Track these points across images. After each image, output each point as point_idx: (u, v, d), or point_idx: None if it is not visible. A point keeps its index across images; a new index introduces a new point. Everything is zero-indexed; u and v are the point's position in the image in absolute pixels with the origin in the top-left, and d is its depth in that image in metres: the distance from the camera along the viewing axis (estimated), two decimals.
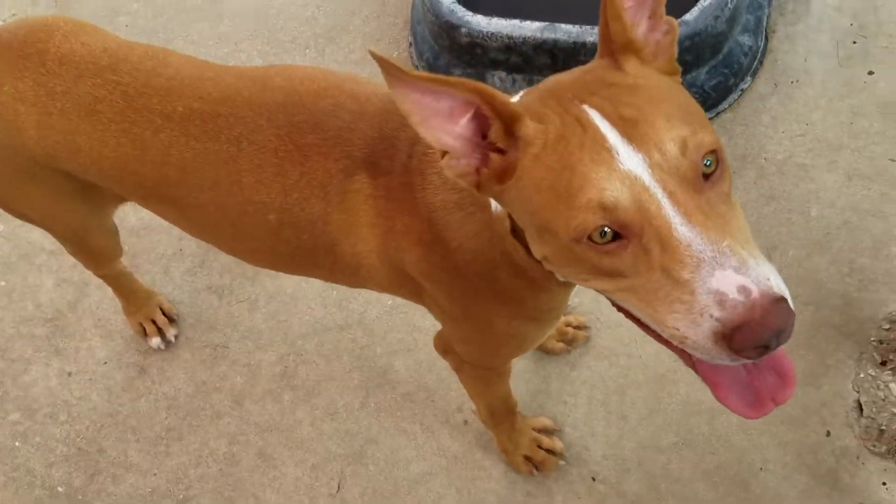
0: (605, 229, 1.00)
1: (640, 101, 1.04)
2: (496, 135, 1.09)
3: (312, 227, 1.46)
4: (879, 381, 2.05)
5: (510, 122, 1.07)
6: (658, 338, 1.10)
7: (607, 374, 2.18)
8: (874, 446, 2.00)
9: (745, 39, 2.55)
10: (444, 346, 1.75)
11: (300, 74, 1.50)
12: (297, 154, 1.43)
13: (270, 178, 1.44)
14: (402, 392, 2.24)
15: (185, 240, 2.54)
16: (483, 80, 2.58)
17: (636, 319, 1.12)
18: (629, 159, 0.99)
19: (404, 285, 1.51)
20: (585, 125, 1.03)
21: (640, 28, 1.13)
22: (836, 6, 2.71)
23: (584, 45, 2.39)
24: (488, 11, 2.52)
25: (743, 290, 0.95)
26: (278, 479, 2.17)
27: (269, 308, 2.41)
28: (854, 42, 2.63)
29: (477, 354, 1.67)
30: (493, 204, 1.26)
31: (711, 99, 2.51)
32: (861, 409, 2.04)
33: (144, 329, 2.36)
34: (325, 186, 1.42)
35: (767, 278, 0.97)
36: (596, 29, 2.37)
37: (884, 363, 2.07)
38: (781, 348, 1.03)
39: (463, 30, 2.48)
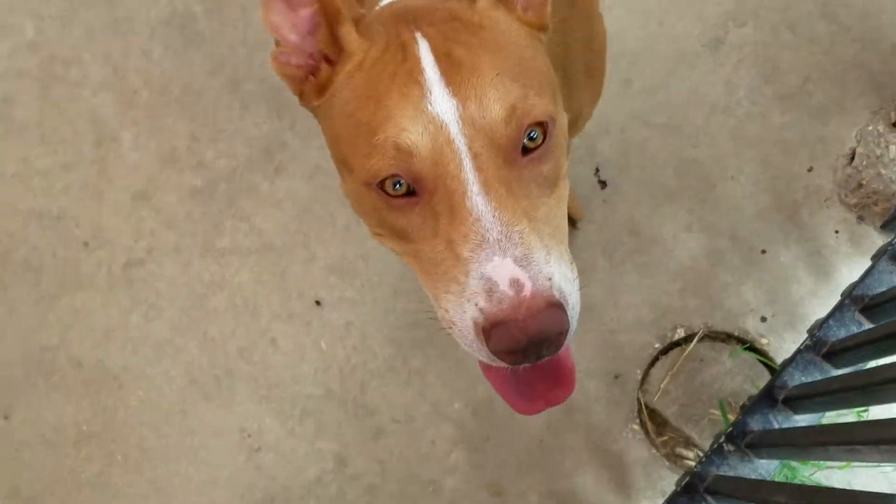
0: (399, 181, 0.88)
1: (476, 42, 0.90)
2: (322, 37, 0.95)
3: None
4: (883, 140, 2.02)
5: (333, 22, 0.94)
6: None
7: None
8: (846, 196, 2.02)
9: None
10: None
11: None
12: None
13: None
14: None
15: None
16: None
17: None
18: (440, 103, 0.86)
19: None
20: (407, 53, 0.90)
21: None
22: None
23: None
24: None
25: (515, 283, 0.82)
26: None
27: None
28: None
29: None
30: None
31: None
32: (852, 159, 2.04)
33: None
34: None
35: (549, 278, 0.83)
36: None
37: (895, 125, 2.03)
38: (568, 346, 0.92)
39: None
